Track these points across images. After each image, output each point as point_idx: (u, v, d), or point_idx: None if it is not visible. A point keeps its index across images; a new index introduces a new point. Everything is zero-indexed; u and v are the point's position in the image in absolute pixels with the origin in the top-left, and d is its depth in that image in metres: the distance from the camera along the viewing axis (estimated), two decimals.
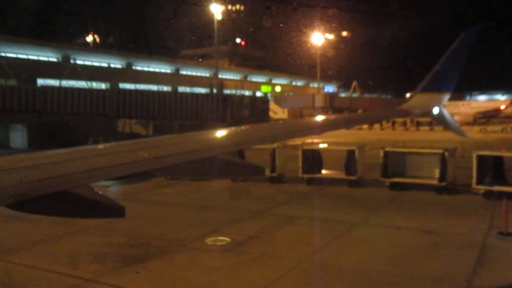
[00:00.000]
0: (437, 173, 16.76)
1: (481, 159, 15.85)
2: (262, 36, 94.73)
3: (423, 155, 17.64)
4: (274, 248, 11.00)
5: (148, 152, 3.70)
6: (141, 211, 15.14)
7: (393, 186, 17.53)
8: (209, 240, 11.49)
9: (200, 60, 79.85)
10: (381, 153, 17.94)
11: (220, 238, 11.67)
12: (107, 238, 11.86)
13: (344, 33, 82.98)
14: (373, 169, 19.52)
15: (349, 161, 18.60)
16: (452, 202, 15.44)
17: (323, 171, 19.59)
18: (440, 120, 7.99)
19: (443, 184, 16.48)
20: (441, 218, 13.41)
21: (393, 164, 18.02)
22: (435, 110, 7.34)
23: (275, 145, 19.56)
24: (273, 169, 19.72)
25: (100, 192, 3.13)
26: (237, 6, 77.62)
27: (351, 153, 18.59)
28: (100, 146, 4.24)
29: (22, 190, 2.76)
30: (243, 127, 6.06)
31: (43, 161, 3.34)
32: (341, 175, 18.83)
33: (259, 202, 16.22)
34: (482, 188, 15.72)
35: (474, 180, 15.90)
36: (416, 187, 17.18)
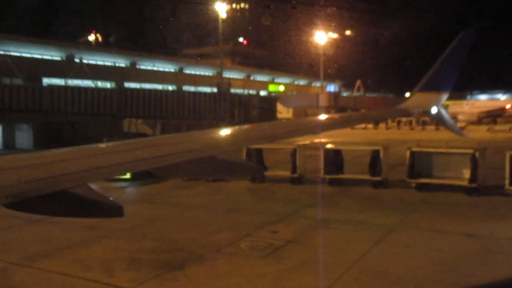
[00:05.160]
0: (467, 173, 16.30)
1: None
2: (264, 35, 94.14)
3: (453, 155, 17.14)
4: (315, 254, 10.49)
5: (146, 152, 3.72)
6: (166, 214, 14.66)
7: (420, 187, 17.05)
8: (244, 245, 10.97)
9: (199, 59, 79.18)
10: (407, 153, 17.47)
11: (256, 242, 11.16)
12: (137, 243, 11.33)
13: (348, 32, 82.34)
14: (391, 169, 19.02)
15: (374, 162, 18.11)
16: (487, 204, 14.95)
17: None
18: (438, 119, 7.92)
19: (474, 185, 16.00)
20: (481, 221, 12.92)
21: (419, 164, 17.54)
22: (433, 110, 7.24)
23: (295, 145, 19.13)
24: (294, 170, 19.24)
25: (98, 192, 3.09)
26: (240, 5, 77.00)
27: (376, 153, 18.12)
28: (99, 145, 4.12)
29: (20, 189, 2.75)
30: (244, 126, 6.00)
31: (41, 160, 3.34)
32: (364, 175, 18.35)
33: (285, 204, 15.71)
34: None
35: (507, 182, 15.46)
36: (443, 188, 16.69)
